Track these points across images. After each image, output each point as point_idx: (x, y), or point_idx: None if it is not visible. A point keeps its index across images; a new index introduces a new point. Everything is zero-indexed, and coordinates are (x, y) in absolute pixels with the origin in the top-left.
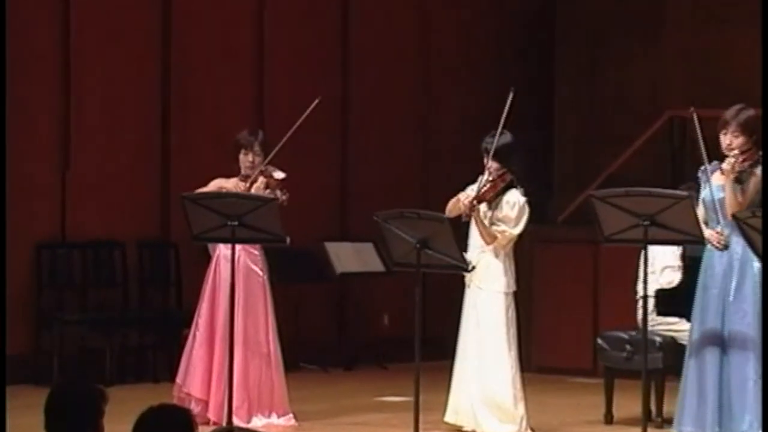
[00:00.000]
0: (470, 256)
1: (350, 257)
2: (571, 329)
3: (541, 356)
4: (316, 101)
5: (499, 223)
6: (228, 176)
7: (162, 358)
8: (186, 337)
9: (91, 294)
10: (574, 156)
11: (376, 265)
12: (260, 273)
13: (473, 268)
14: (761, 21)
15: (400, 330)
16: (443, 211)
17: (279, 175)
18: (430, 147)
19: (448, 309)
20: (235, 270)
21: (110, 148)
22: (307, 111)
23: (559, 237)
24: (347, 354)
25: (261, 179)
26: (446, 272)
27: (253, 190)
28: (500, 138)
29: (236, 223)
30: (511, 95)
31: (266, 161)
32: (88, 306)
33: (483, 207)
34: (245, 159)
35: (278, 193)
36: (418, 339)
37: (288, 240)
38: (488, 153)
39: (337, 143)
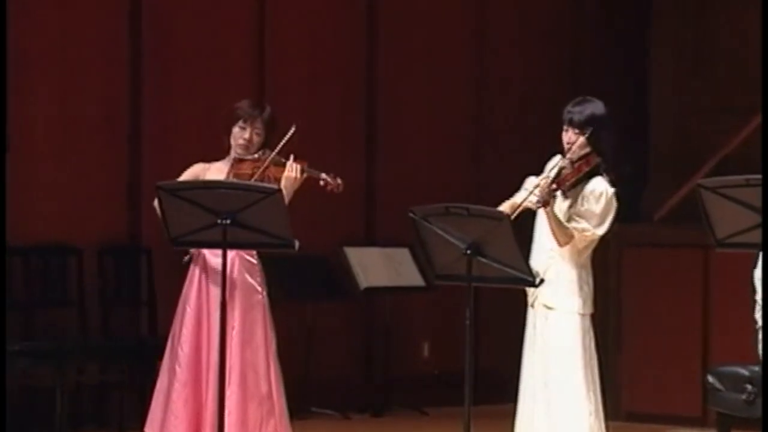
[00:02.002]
0: (535, 263)
1: (378, 267)
2: (673, 363)
3: (631, 399)
4: (291, 131)
5: (579, 220)
6: (210, 161)
7: (130, 401)
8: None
9: (38, 315)
10: (674, 133)
11: (412, 277)
12: (259, 289)
13: (542, 281)
14: (761, 21)
15: (444, 363)
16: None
17: (292, 157)
18: (484, 135)
19: (507, 336)
20: (229, 284)
21: (64, 129)
22: (284, 140)
23: (656, 239)
24: (375, 395)
25: (290, 162)
26: (506, 287)
27: (284, 177)
28: (590, 105)
29: (228, 221)
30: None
31: (283, 142)
32: (33, 331)
33: (559, 199)
34: (240, 134)
35: (323, 176)
36: (469, 375)
37: (297, 245)
38: (572, 124)
39: (362, 130)
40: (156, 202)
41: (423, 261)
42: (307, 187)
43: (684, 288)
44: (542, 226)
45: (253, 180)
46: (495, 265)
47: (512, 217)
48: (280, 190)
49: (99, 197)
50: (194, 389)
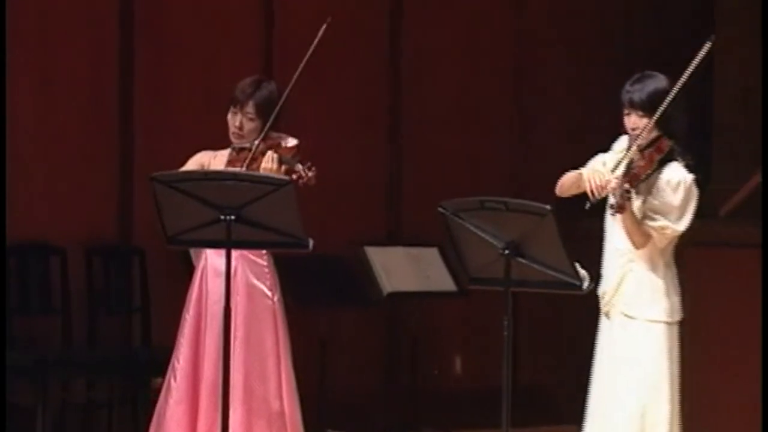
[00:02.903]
0: (609, 268)
1: (404, 269)
2: (743, 386)
3: (709, 421)
4: (326, 24)
5: (655, 216)
6: (218, 149)
7: (120, 421)
8: (158, 390)
9: (16, 324)
10: (744, 115)
11: (442, 281)
12: (269, 293)
13: (592, 286)
14: (761, 21)
15: (479, 380)
16: (543, 202)
17: (290, 141)
18: (523, 123)
19: (551, 348)
20: (232, 289)
21: (44, 113)
22: (268, 124)
23: (723, 237)
24: (399, 415)
25: (269, 153)
26: (549, 292)
27: (261, 169)
28: (651, 81)
29: (233, 217)
30: (707, 45)
31: (267, 126)
32: (11, 342)
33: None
34: (232, 120)
35: (299, 167)
36: (507, 393)
37: (311, 244)
38: (633, 106)
39: (384, 115)
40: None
41: (454, 262)
42: (321, 179)
43: (755, 293)
44: (614, 224)
45: (249, 159)
46: (537, 267)
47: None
48: (291, 182)
49: (85, 190)
50: (189, 407)
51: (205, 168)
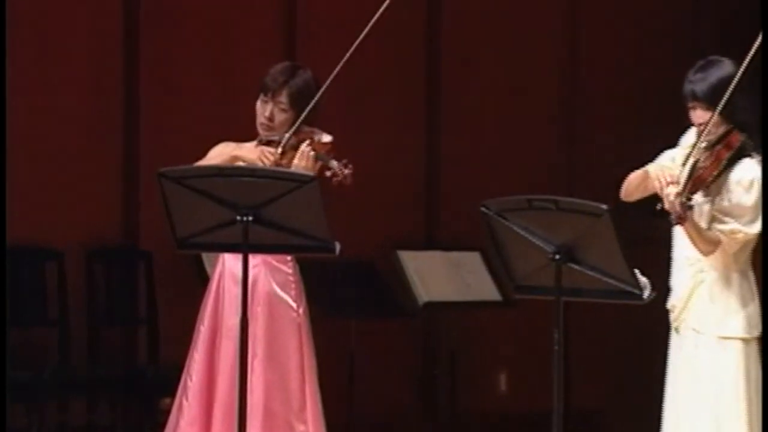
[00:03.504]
0: (678, 279)
1: (442, 276)
2: None
3: None
4: (314, 100)
5: (724, 219)
6: (242, 141)
7: None
8: (167, 412)
9: (9, 337)
10: None
11: (484, 289)
12: (293, 305)
13: (653, 295)
14: (761, 21)
15: (525, 401)
16: (599, 200)
17: (324, 137)
18: (575, 117)
19: (608, 365)
20: (252, 299)
21: (41, 105)
22: (302, 116)
23: None
24: None
25: (303, 147)
26: (606, 302)
27: (294, 165)
28: (714, 69)
29: (250, 217)
30: None
31: (300, 119)
32: (3, 356)
33: (697, 196)
34: (261, 110)
35: (334, 164)
36: (558, 415)
37: (338, 248)
38: (697, 98)
39: (421, 107)
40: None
41: (498, 268)
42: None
43: None
44: (682, 231)
45: (281, 152)
46: (591, 273)
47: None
48: (315, 179)
49: (85, 187)
50: (202, 430)
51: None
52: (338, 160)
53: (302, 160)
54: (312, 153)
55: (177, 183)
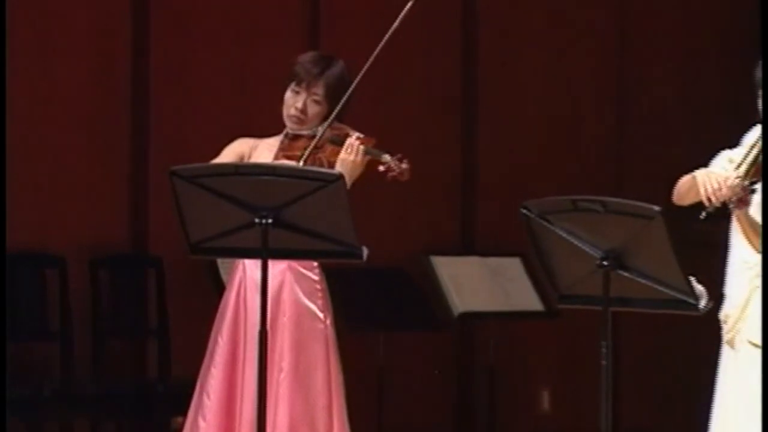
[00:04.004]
0: (733, 286)
1: (479, 284)
2: None
3: None
4: (351, 88)
5: None
6: (261, 136)
7: None
8: None
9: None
10: None
11: (526, 298)
12: (320, 315)
13: (711, 305)
14: (761, 21)
15: (570, 419)
16: (649, 201)
17: (359, 135)
18: (623, 111)
19: (658, 382)
20: (278, 308)
21: (43, 98)
22: (339, 105)
23: None
24: None
25: (350, 140)
26: (658, 312)
27: (340, 159)
28: None
29: (270, 220)
30: None
31: (336, 111)
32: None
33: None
34: (292, 101)
35: (387, 158)
36: None
37: (366, 253)
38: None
39: (457, 97)
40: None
41: (541, 276)
42: (378, 176)
43: None
44: (739, 232)
45: (301, 164)
46: (642, 281)
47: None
48: (341, 177)
49: (89, 186)
50: None
51: (245, 159)
52: (391, 154)
53: (351, 154)
54: (361, 147)
55: (190, 182)
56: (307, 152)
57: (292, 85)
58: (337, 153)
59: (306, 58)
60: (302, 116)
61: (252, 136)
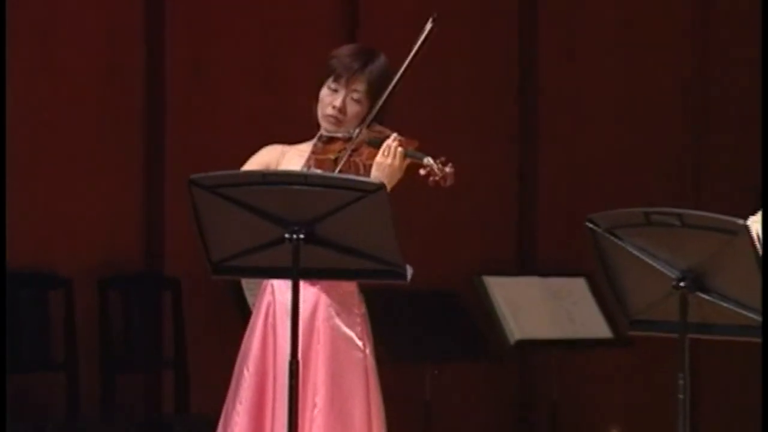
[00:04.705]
0: None
1: (539, 308)
2: None
3: None
4: (430, 26)
5: None
6: (293, 142)
7: None
8: None
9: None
10: None
11: (592, 324)
12: (359, 343)
13: None
14: (761, 21)
15: None
16: (731, 214)
17: (399, 136)
18: (701, 114)
19: (747, 418)
20: (312, 335)
21: (47, 100)
22: (381, 100)
23: None
24: None
25: (389, 142)
26: (743, 340)
27: (377, 163)
28: None
29: (302, 235)
30: None
31: (375, 110)
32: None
33: None
34: (329, 99)
35: (430, 161)
36: None
37: (409, 273)
38: None
39: (512, 108)
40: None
41: (609, 298)
42: (423, 186)
43: None
44: None
45: (337, 169)
46: (725, 305)
47: None
48: (383, 187)
49: (98, 199)
50: None
51: (273, 167)
52: (433, 157)
53: (388, 157)
54: (400, 149)
55: (211, 192)
56: (344, 156)
57: (329, 82)
58: (375, 156)
59: (345, 51)
60: (340, 116)
61: (282, 143)
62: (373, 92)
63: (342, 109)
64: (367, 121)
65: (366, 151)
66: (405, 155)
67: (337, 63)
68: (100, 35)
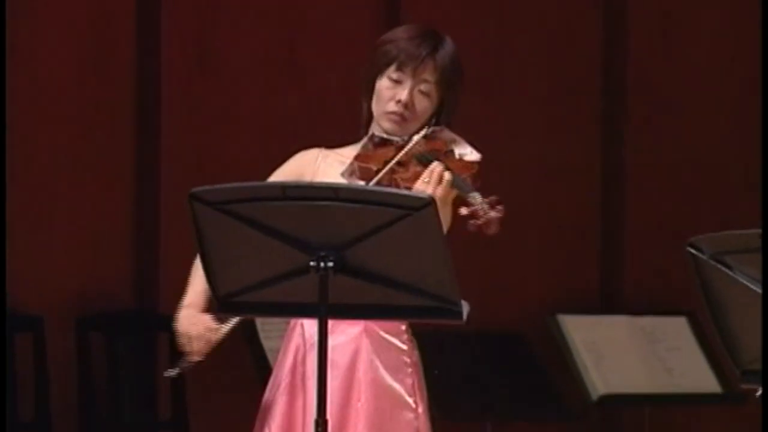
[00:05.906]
0: None
1: (627, 355)
2: None
3: None
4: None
5: None
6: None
7: None
8: None
9: None
10: None
11: (695, 375)
12: (409, 400)
13: None
14: (761, 21)
15: None
16: None
17: (469, 152)
18: None
19: None
20: (349, 388)
21: (21, 105)
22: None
23: None
24: None
25: (436, 164)
26: None
27: (415, 189)
28: None
29: (331, 263)
30: None
31: (441, 111)
32: None
33: None
34: (391, 92)
35: (477, 199)
36: None
37: (466, 311)
38: None
39: (593, 114)
40: None
41: (717, 342)
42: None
43: None
44: None
45: (372, 183)
46: None
47: None
48: (432, 202)
49: (76, 216)
50: None
51: (307, 178)
52: (483, 194)
53: (430, 184)
54: (447, 175)
55: (217, 210)
56: (386, 168)
57: (390, 72)
58: (419, 177)
59: (404, 34)
60: (406, 112)
61: (312, 147)
62: (444, 83)
63: (408, 104)
64: (429, 127)
65: (413, 169)
66: (452, 184)
67: (397, 49)
68: (83, 18)
